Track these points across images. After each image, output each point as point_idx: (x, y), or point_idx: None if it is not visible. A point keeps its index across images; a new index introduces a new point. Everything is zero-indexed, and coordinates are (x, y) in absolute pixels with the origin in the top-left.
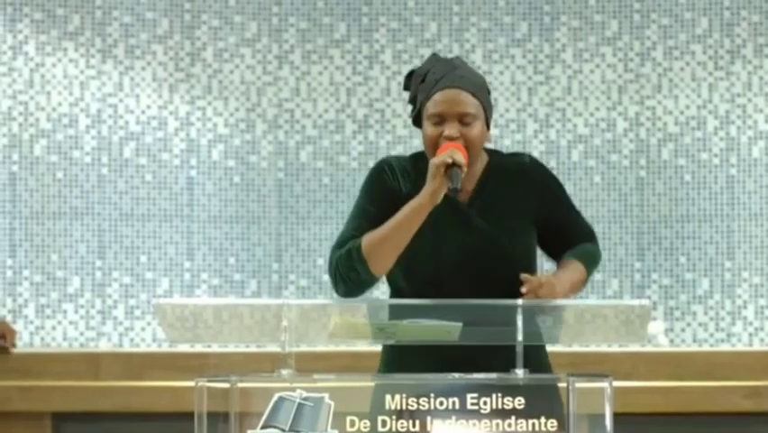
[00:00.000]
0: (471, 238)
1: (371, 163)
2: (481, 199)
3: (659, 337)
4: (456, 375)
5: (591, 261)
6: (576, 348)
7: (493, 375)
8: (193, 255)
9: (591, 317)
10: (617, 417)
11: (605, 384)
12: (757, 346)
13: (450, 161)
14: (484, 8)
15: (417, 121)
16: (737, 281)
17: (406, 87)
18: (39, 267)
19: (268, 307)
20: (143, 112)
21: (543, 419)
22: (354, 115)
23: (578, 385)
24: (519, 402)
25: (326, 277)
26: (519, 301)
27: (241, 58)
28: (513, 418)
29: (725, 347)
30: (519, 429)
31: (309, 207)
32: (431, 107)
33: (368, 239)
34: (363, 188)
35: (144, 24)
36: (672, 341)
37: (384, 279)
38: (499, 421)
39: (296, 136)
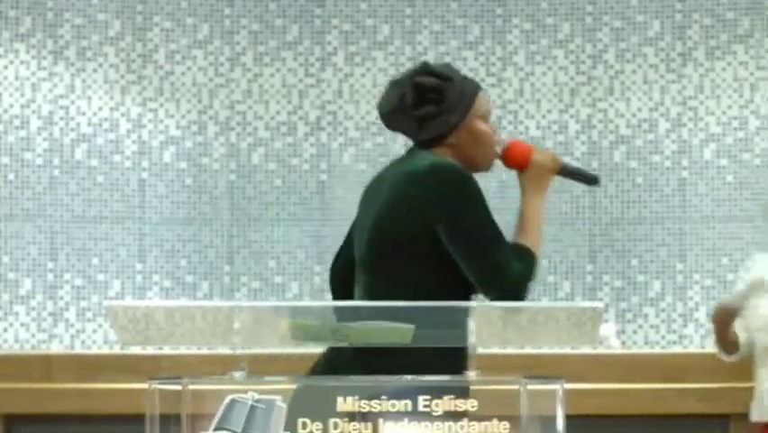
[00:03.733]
0: None
1: (323, 165)
2: None
3: (611, 339)
4: (408, 377)
5: None
6: (528, 350)
7: (446, 377)
8: (145, 257)
9: (543, 320)
10: (569, 419)
11: (557, 386)
12: (709, 348)
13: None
14: (436, 11)
15: (439, 127)
16: (689, 284)
17: (430, 99)
18: None
19: (219, 309)
20: (95, 114)
21: (495, 421)
22: (306, 117)
23: (530, 387)
24: (472, 404)
25: (279, 279)
26: (471, 304)
27: (193, 60)
28: (465, 420)
29: (677, 349)
30: (471, 431)
31: (261, 209)
32: (482, 106)
33: (534, 247)
34: (478, 198)
35: (96, 26)
36: (623, 343)
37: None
38: (451, 423)
39: (248, 138)
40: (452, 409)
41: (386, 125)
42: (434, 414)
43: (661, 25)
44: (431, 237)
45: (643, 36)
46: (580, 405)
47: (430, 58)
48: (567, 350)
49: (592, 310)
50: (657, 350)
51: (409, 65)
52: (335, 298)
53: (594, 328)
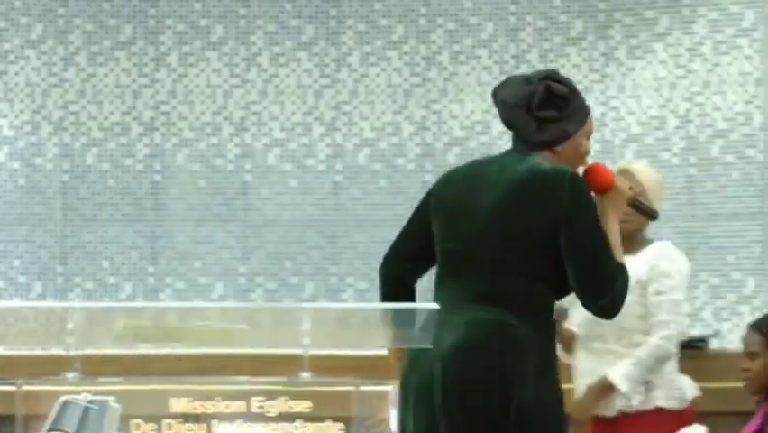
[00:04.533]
0: None
1: (157, 166)
2: None
3: None
4: (243, 378)
5: None
6: (362, 352)
7: (280, 379)
8: None
9: (377, 322)
10: None
11: (389, 388)
12: None
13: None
14: (270, 11)
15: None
16: None
17: (555, 105)
18: None
19: (53, 309)
20: None
21: (329, 423)
22: (140, 117)
23: (363, 389)
24: (306, 406)
25: (112, 279)
26: (306, 305)
27: (26, 60)
28: (299, 421)
29: None
30: None
31: (95, 210)
32: (590, 126)
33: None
34: (595, 209)
35: None
36: None
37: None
38: (285, 424)
39: (81, 138)
40: (287, 410)
41: (502, 116)
42: (268, 415)
43: (494, 27)
44: (551, 237)
45: (476, 38)
46: None
47: (264, 58)
48: None
49: (424, 312)
50: None
51: (244, 66)
52: (388, 289)
53: (430, 329)
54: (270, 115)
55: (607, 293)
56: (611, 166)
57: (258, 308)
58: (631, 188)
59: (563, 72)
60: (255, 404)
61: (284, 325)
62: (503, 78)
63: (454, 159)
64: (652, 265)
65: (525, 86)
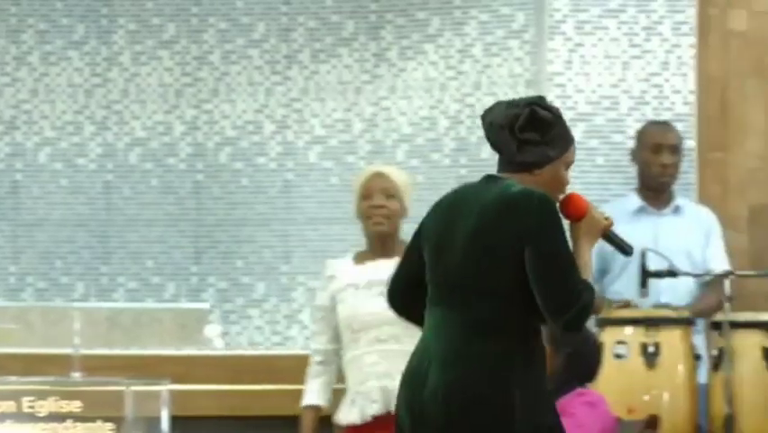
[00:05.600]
0: None
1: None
2: None
3: (215, 341)
4: (13, 378)
5: None
6: (134, 351)
7: (50, 378)
8: None
9: (149, 321)
10: (174, 420)
11: (162, 388)
12: None
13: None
14: (41, 9)
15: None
16: (293, 285)
17: (537, 128)
18: None
19: None
20: None
21: (99, 423)
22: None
23: (134, 389)
24: (77, 406)
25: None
26: (76, 305)
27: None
28: (69, 421)
29: (281, 351)
30: None
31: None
32: (571, 156)
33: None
34: (562, 227)
35: None
36: (228, 344)
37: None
38: (56, 424)
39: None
40: (57, 410)
41: (487, 136)
42: (39, 415)
43: (266, 27)
44: (519, 261)
45: (248, 38)
46: (186, 406)
47: (34, 57)
48: (172, 351)
49: (197, 312)
50: (261, 351)
51: (14, 64)
52: (402, 317)
53: (199, 330)
54: (41, 113)
55: (570, 307)
56: (380, 167)
57: (28, 307)
58: (606, 219)
59: (335, 72)
60: (25, 404)
61: (54, 324)
62: (275, 78)
63: (226, 158)
64: None
65: (510, 109)
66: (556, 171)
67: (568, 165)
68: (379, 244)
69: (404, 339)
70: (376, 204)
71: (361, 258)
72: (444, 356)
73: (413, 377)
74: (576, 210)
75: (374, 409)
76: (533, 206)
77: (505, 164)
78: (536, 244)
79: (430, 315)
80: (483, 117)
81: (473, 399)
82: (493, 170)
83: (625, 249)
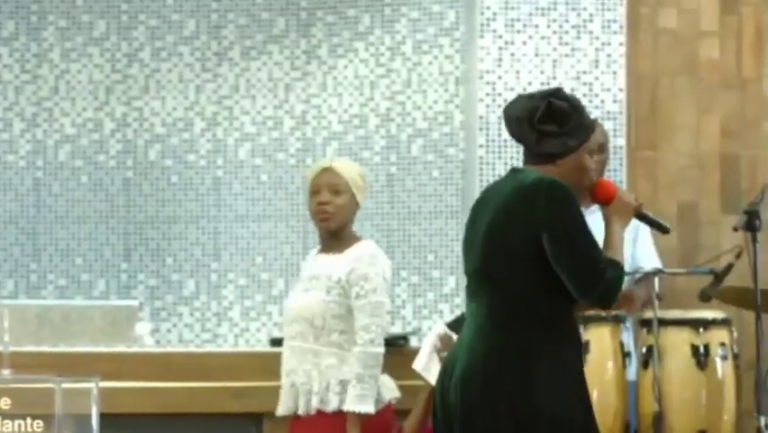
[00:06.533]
0: None
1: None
2: None
3: (145, 338)
4: None
5: None
6: (63, 349)
7: None
8: None
9: (78, 318)
10: (104, 417)
11: (91, 385)
12: (243, 347)
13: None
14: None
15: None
16: (223, 282)
17: (555, 119)
18: None
19: None
20: None
21: (29, 420)
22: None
23: (64, 386)
24: (5, 403)
25: None
26: (5, 302)
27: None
28: None
29: (211, 348)
30: (5, 430)
31: None
32: (593, 143)
33: (622, 263)
34: (578, 210)
35: None
36: (158, 342)
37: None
38: None
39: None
40: None
41: (509, 129)
42: None
43: (196, 24)
44: (538, 246)
45: (179, 35)
46: (116, 403)
47: None
48: (102, 348)
49: (127, 309)
50: (191, 349)
51: None
52: None
53: (129, 327)
54: None
55: (596, 285)
56: (312, 164)
57: None
58: (636, 200)
59: (265, 69)
60: None
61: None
62: (205, 75)
63: (156, 155)
64: (352, 268)
65: (529, 102)
66: (579, 160)
67: (591, 152)
68: (328, 240)
69: (309, 337)
70: (322, 200)
71: (320, 251)
72: (471, 346)
73: (446, 367)
74: (605, 194)
75: (282, 409)
76: (541, 192)
77: (528, 156)
78: (551, 229)
79: (466, 308)
80: (505, 111)
81: (491, 383)
82: (424, 169)
83: (661, 226)
